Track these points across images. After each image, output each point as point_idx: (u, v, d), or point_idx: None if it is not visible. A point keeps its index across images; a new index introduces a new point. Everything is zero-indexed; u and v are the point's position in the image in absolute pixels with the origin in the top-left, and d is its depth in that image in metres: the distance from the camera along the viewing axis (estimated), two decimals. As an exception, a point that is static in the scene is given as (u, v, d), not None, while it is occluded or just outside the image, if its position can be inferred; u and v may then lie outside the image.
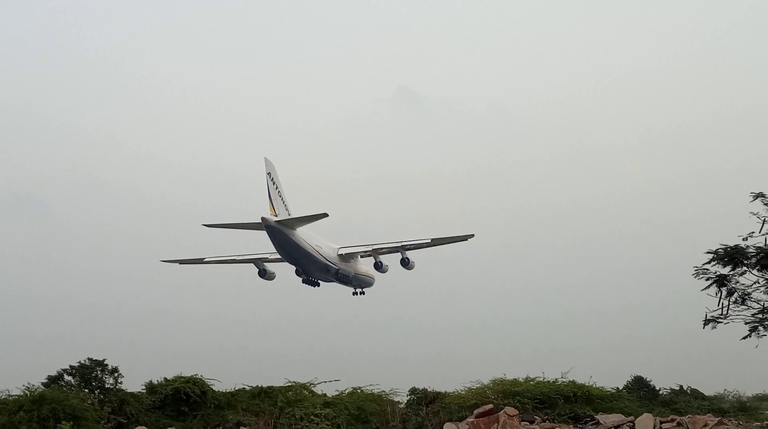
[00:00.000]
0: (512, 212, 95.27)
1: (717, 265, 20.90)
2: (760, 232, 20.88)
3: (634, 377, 43.57)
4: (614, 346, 68.48)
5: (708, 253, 20.72)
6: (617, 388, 41.23)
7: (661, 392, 43.35)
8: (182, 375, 32.32)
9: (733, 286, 21.03)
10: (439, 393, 36.78)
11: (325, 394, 35.19)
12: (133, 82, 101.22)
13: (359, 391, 35.68)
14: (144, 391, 32.55)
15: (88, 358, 33.03)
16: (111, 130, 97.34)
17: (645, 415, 30.20)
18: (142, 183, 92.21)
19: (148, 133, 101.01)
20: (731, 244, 21.04)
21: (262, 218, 40.71)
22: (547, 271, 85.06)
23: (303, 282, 46.13)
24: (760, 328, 21.03)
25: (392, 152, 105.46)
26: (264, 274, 46.18)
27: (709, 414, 32.13)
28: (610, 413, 31.91)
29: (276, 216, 41.30)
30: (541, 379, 37.02)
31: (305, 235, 43.02)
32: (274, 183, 42.12)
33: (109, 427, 29.67)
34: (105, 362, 32.81)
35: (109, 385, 32.22)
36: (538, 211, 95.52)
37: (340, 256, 45.94)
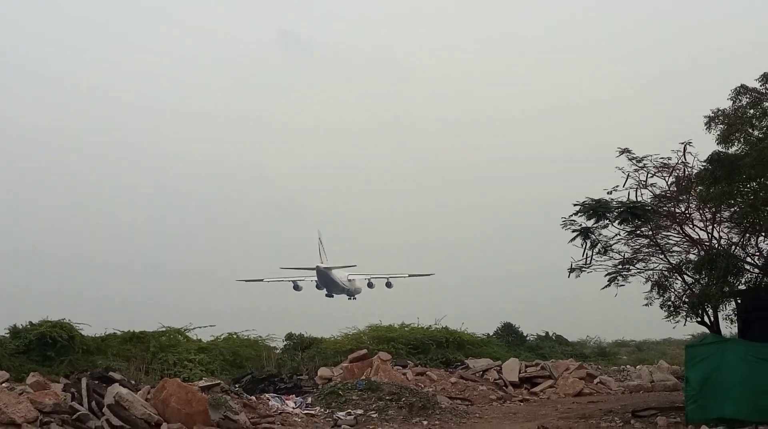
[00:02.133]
0: (396, 167, 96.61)
1: (582, 217, 21.56)
2: (623, 187, 21.66)
3: (504, 324, 45.11)
4: (487, 292, 71.19)
5: (575, 204, 21.35)
6: (488, 334, 42.67)
7: (528, 338, 45.13)
8: (48, 319, 30.93)
9: (596, 238, 21.78)
10: (316, 339, 37.03)
11: (200, 340, 34.64)
12: None
13: (235, 336, 35.36)
14: (7, 335, 30.89)
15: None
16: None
17: (511, 359, 31.53)
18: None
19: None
20: (597, 197, 21.63)
21: (317, 266, 65.21)
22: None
23: (326, 296, 68.20)
24: (619, 277, 21.96)
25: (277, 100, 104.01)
26: (298, 288, 67.91)
27: (571, 359, 33.83)
28: (480, 358, 32.92)
29: (323, 263, 65.93)
30: (416, 326, 37.78)
31: (338, 272, 66.81)
32: (321, 242, 67.19)
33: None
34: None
35: (-35, 329, 30.59)
36: (424, 169, 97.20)
37: (349, 280, 68.08)
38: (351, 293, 69.67)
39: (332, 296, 68.82)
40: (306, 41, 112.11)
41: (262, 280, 66.74)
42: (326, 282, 66.92)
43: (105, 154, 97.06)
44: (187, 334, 34.39)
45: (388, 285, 68.93)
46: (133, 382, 21.59)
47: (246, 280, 66.48)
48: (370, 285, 69.77)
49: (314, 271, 66.17)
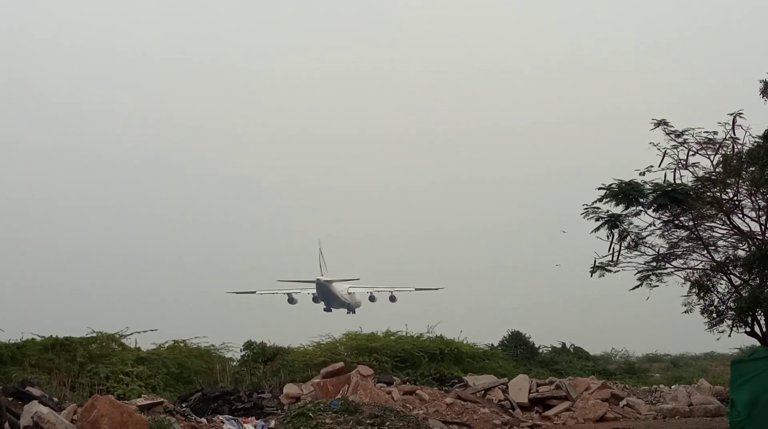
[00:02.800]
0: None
1: (609, 204, 21.52)
2: (659, 167, 21.57)
3: (511, 333, 45.30)
4: (490, 294, 71.79)
5: (600, 188, 21.25)
6: (491, 344, 42.84)
7: (541, 350, 45.39)
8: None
9: (626, 228, 21.79)
10: (281, 348, 36.94)
11: (139, 348, 34.43)
12: None
13: (182, 344, 35.16)
14: None
15: None
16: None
17: (520, 376, 31.62)
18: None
19: None
20: (627, 179, 21.62)
21: (317, 279, 69.48)
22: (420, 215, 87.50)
23: (324, 310, 72.41)
24: (652, 276, 21.98)
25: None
26: (293, 301, 71.49)
27: (593, 376, 34.02)
28: (482, 374, 33.00)
29: (323, 276, 70.18)
30: (404, 334, 37.79)
31: (338, 285, 71.00)
32: (322, 253, 71.61)
33: None
34: None
35: None
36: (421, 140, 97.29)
37: (350, 293, 72.16)
38: (351, 307, 73.88)
39: (330, 310, 73.21)
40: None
41: (254, 293, 69.80)
42: (325, 295, 71.40)
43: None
44: (122, 341, 34.19)
45: (392, 299, 72.38)
46: (55, 399, 21.50)
47: (237, 293, 69.12)
48: (371, 298, 73.85)
49: (313, 284, 70.16)
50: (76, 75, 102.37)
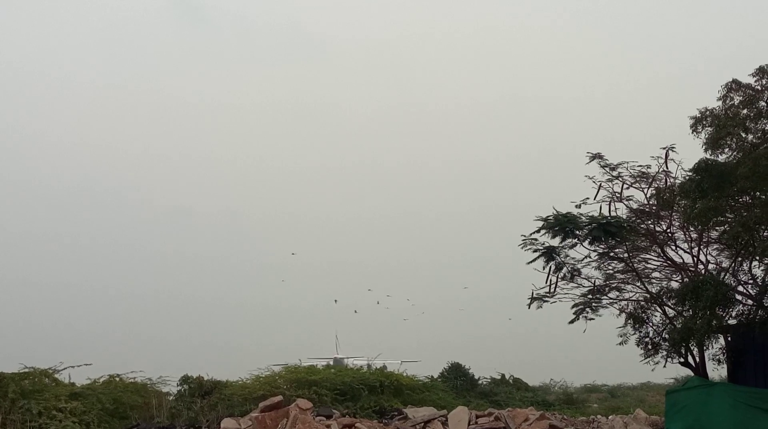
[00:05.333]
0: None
1: (547, 235, 21.79)
2: (594, 199, 21.92)
3: (451, 364, 45.39)
4: (430, 330, 71.71)
5: (537, 219, 21.52)
6: (432, 377, 42.86)
7: (480, 382, 45.50)
8: None
9: (562, 260, 22.07)
10: (219, 382, 36.51)
11: (73, 383, 33.72)
12: None
13: (117, 379, 34.54)
14: None
15: None
16: None
17: (459, 408, 31.60)
18: None
19: None
20: (564, 211, 21.92)
21: (335, 357, 60.93)
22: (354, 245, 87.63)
23: None
24: (588, 309, 22.22)
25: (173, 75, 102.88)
26: None
27: (531, 407, 34.16)
28: (421, 406, 32.96)
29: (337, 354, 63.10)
30: (343, 367, 37.66)
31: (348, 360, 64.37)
32: (337, 338, 66.10)
33: None
34: None
35: None
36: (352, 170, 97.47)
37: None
38: None
39: None
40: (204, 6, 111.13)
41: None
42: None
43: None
44: (56, 376, 33.46)
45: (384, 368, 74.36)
46: (-15, 437, 21.00)
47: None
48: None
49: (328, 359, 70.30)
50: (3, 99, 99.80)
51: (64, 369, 33.59)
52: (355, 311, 58.61)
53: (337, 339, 69.90)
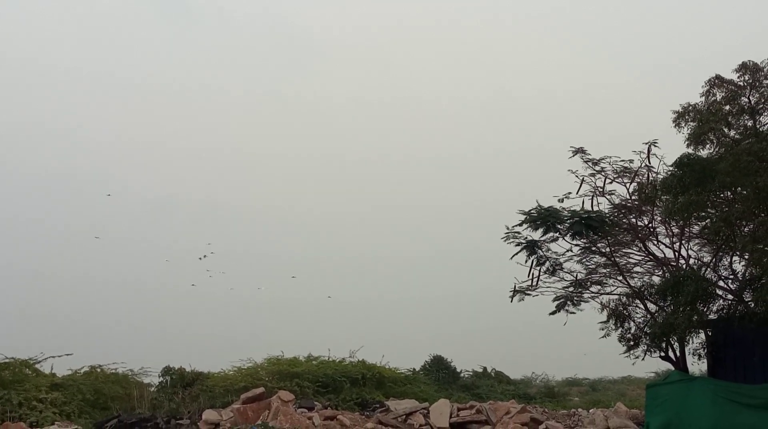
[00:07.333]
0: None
1: (529, 229, 21.84)
2: (577, 194, 22.00)
3: (433, 357, 45.50)
4: (412, 319, 71.54)
5: (520, 212, 21.55)
6: (414, 369, 42.92)
7: (462, 375, 45.64)
8: None
9: (544, 253, 22.12)
10: (201, 373, 36.52)
11: (53, 374, 33.63)
12: None
13: (98, 370, 34.50)
14: None
15: None
16: None
17: (441, 401, 31.68)
18: None
19: None
20: (547, 205, 21.96)
21: None
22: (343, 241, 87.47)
23: None
24: (569, 303, 22.29)
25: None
26: None
27: (513, 400, 34.29)
28: (403, 399, 33.02)
29: None
30: (326, 359, 37.68)
31: None
32: None
33: None
34: None
35: None
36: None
37: None
38: None
39: None
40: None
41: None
42: None
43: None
44: (36, 366, 33.34)
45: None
46: (-36, 427, 20.90)
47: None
48: None
49: None
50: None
51: (45, 359, 33.54)
52: (329, 296, 57.94)
53: None
